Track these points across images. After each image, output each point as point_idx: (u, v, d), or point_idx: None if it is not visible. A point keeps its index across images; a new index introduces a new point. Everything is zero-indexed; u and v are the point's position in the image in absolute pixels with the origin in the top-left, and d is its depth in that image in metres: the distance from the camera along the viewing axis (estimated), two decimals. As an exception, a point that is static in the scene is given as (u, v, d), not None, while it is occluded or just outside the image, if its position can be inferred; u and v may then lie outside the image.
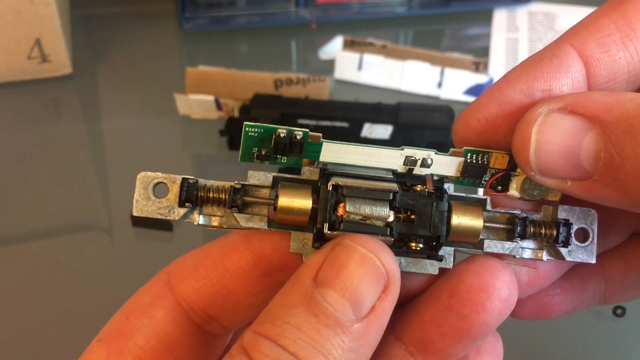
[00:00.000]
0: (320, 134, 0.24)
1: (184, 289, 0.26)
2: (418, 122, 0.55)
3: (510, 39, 0.70)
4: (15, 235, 0.52)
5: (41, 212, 0.53)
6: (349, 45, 0.66)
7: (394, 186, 0.24)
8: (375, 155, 0.24)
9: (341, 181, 0.24)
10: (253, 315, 0.25)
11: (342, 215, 0.23)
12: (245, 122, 0.23)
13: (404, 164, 0.24)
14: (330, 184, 0.23)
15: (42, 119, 0.62)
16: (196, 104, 0.59)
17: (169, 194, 0.24)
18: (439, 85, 0.63)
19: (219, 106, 0.59)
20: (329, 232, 0.23)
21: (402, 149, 0.24)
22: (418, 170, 0.25)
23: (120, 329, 0.25)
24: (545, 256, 0.25)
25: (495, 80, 0.67)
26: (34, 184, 0.55)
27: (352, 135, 0.55)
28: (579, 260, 0.25)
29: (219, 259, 0.26)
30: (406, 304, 0.26)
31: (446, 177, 0.25)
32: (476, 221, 0.24)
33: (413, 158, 0.24)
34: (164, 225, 0.50)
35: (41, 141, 0.59)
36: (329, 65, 0.66)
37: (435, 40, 0.72)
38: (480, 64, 0.64)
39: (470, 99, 0.63)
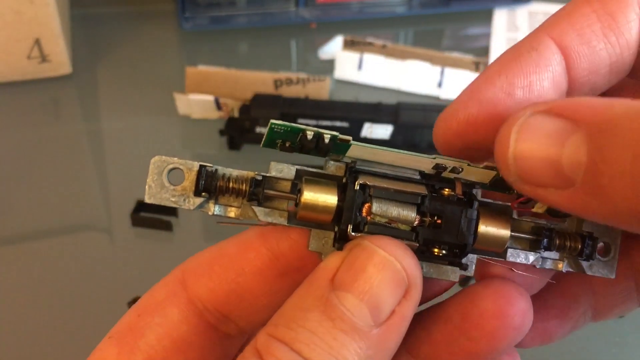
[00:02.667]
0: (350, 137, 0.22)
1: (199, 287, 0.25)
2: (418, 122, 0.55)
3: (510, 38, 0.70)
4: (15, 235, 0.52)
5: (41, 212, 0.53)
6: (349, 45, 0.66)
7: (423, 189, 0.23)
8: (405, 160, 0.23)
9: (369, 180, 0.22)
10: (269, 316, 0.24)
11: (366, 217, 0.22)
12: (272, 120, 0.22)
13: (433, 168, 0.23)
14: (357, 182, 0.22)
15: (42, 119, 0.62)
16: (196, 104, 0.59)
17: (184, 181, 0.22)
18: (439, 85, 0.63)
19: (218, 106, 0.59)
20: (353, 233, 0.22)
21: (434, 157, 0.23)
22: (446, 174, 0.23)
23: (131, 327, 0.25)
24: (565, 268, 0.24)
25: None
26: (33, 184, 0.55)
27: (351, 135, 0.55)
28: (599, 275, 0.24)
29: (235, 257, 0.25)
30: (417, 318, 0.25)
31: (475, 182, 0.24)
32: (503, 231, 0.23)
33: (443, 166, 0.23)
34: (164, 225, 0.50)
35: (41, 141, 0.59)
36: (329, 65, 0.66)
37: (435, 40, 0.72)
38: (480, 64, 0.64)
39: (470, 98, 0.63)
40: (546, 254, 0.24)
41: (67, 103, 0.64)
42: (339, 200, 0.22)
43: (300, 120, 0.55)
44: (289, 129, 0.22)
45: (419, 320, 0.25)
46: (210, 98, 0.58)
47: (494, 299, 0.23)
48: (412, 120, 0.55)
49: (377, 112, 0.55)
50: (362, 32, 0.69)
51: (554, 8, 0.81)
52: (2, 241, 0.52)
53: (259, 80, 0.60)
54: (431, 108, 0.56)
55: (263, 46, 0.70)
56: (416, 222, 0.22)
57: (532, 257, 0.24)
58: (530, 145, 0.20)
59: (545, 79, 0.22)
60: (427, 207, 0.23)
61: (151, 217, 0.51)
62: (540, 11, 0.73)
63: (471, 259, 0.24)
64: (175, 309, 0.25)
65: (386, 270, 0.21)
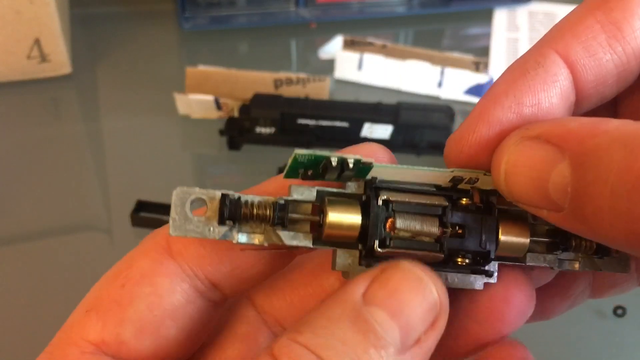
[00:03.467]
0: (372, 159, 0.22)
1: (188, 255, 0.24)
2: (418, 122, 0.55)
3: (510, 38, 0.70)
4: (15, 235, 0.52)
5: (41, 212, 0.53)
6: (349, 44, 0.66)
7: (443, 200, 0.23)
8: (424, 177, 0.23)
9: (391, 196, 0.22)
10: (256, 284, 0.24)
11: (391, 232, 0.22)
12: (297, 151, 0.21)
13: (450, 181, 0.24)
14: (380, 198, 0.22)
15: (42, 119, 0.62)
16: (196, 104, 0.59)
17: (207, 211, 0.22)
18: (439, 85, 0.63)
19: (218, 106, 0.59)
20: (379, 249, 0.22)
21: (452, 171, 0.23)
22: (462, 185, 0.24)
23: (116, 299, 0.23)
24: (581, 267, 0.24)
25: (495, 81, 0.67)
26: (33, 184, 0.55)
27: (352, 135, 0.55)
28: (614, 272, 0.25)
29: None
30: None
31: (491, 190, 0.24)
32: (523, 238, 0.23)
33: (461, 177, 0.23)
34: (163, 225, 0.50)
35: (41, 141, 0.59)
36: (329, 65, 0.66)
37: (435, 39, 0.72)
38: (480, 64, 0.64)
39: (470, 98, 0.63)
40: (563, 255, 0.24)
41: (67, 103, 0.64)
42: (362, 218, 0.22)
43: (300, 120, 0.55)
44: (313, 157, 0.22)
45: None
46: (210, 98, 0.58)
47: (503, 284, 0.24)
48: (412, 120, 0.55)
49: (377, 112, 0.55)
50: (362, 32, 0.69)
51: (555, 8, 0.81)
52: (2, 241, 0.52)
53: (259, 80, 0.60)
54: (431, 108, 0.56)
55: (263, 46, 0.70)
56: (439, 233, 0.23)
57: (549, 259, 0.24)
58: (519, 172, 0.21)
59: (553, 95, 0.22)
60: (449, 218, 0.23)
61: (151, 217, 0.51)
62: (540, 11, 0.73)
63: (493, 265, 0.24)
64: (164, 277, 0.23)
65: (421, 292, 0.20)
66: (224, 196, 0.22)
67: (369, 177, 0.23)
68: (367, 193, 0.23)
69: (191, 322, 0.24)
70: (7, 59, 0.61)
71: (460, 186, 0.23)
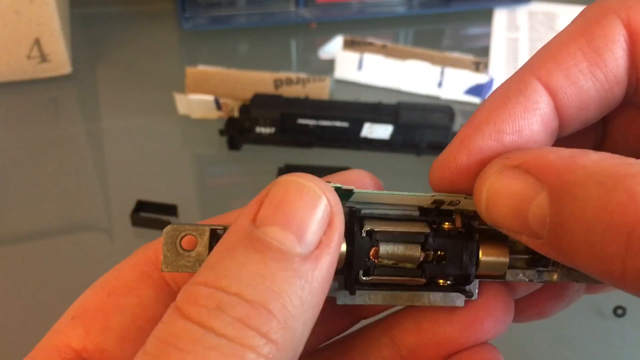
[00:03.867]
0: (353, 187, 0.23)
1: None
2: (418, 122, 0.55)
3: (510, 38, 0.70)
4: (15, 235, 0.52)
5: (41, 212, 0.53)
6: (349, 45, 0.66)
7: (425, 228, 0.24)
8: (405, 200, 0.24)
9: (375, 226, 0.23)
10: None
11: (374, 260, 0.23)
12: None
13: (432, 203, 0.24)
14: (364, 229, 0.23)
15: (42, 119, 0.62)
16: (196, 104, 0.59)
17: (198, 246, 0.23)
18: (439, 85, 0.63)
19: (218, 106, 0.59)
20: (364, 277, 0.23)
21: (433, 195, 0.24)
22: (445, 206, 0.24)
23: (100, 307, 0.23)
24: (559, 278, 0.25)
25: (495, 80, 0.67)
26: (33, 183, 0.55)
27: (352, 135, 0.55)
28: (591, 283, 0.25)
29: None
30: (407, 309, 0.26)
31: (471, 211, 0.24)
32: (503, 258, 0.24)
33: (442, 200, 0.24)
34: (164, 225, 0.50)
35: (41, 141, 0.59)
36: (329, 65, 0.66)
37: (435, 39, 0.72)
38: (480, 64, 0.64)
39: (470, 98, 0.63)
40: (542, 268, 0.25)
41: (67, 103, 0.64)
42: (347, 246, 0.23)
43: (300, 120, 0.55)
44: None
45: (408, 311, 0.26)
46: (210, 98, 0.58)
47: (483, 297, 0.25)
48: (412, 120, 0.55)
49: (377, 112, 0.55)
50: (362, 32, 0.69)
51: (555, 8, 0.81)
52: (2, 241, 0.52)
53: (259, 80, 0.60)
54: (431, 108, 0.56)
55: (263, 46, 0.70)
56: (421, 260, 0.23)
57: (528, 274, 0.25)
58: (500, 201, 0.21)
59: (534, 122, 0.22)
60: (431, 244, 0.24)
61: (151, 217, 0.51)
62: (540, 11, 0.73)
63: (474, 285, 0.25)
64: (150, 290, 0.24)
65: (307, 197, 0.20)
66: (212, 231, 0.23)
67: (352, 204, 0.23)
68: (352, 223, 0.23)
69: None
70: (7, 59, 0.61)
71: (443, 207, 0.24)
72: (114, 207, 0.54)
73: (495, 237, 0.24)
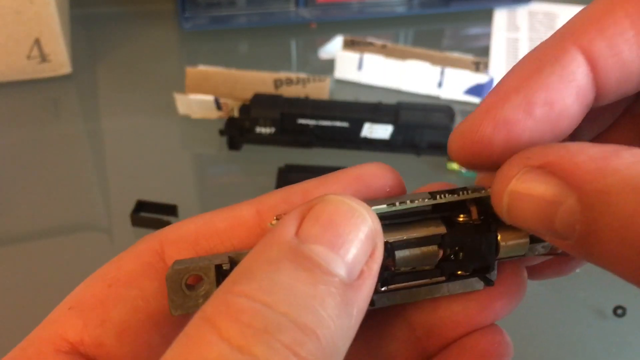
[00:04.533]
0: (384, 206, 0.22)
1: None
2: (418, 122, 0.55)
3: (510, 38, 0.70)
4: (15, 235, 0.52)
5: (41, 212, 0.53)
6: (349, 45, 0.66)
7: (441, 227, 0.22)
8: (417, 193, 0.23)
9: (389, 236, 0.22)
10: None
11: (391, 269, 0.22)
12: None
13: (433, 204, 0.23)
14: None
15: (42, 119, 0.62)
16: (196, 104, 0.59)
17: (204, 284, 0.21)
18: (439, 85, 0.63)
19: (218, 106, 0.59)
20: (383, 289, 0.22)
21: (433, 197, 0.22)
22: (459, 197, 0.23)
23: (100, 298, 0.22)
24: None
25: (495, 80, 0.67)
26: (33, 184, 0.55)
27: (352, 135, 0.55)
28: None
29: (224, 232, 0.22)
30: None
31: (483, 196, 0.23)
32: (523, 239, 0.23)
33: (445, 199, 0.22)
34: (164, 225, 0.50)
35: (40, 141, 0.59)
36: (329, 65, 0.66)
37: (435, 39, 0.72)
38: (480, 64, 0.64)
39: (470, 98, 0.63)
40: None
41: (67, 103, 0.64)
42: None
43: (300, 120, 0.55)
44: None
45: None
46: (210, 98, 0.58)
47: (498, 278, 0.24)
48: (412, 120, 0.55)
49: (377, 112, 0.55)
50: (362, 32, 0.69)
51: (555, 8, 0.80)
52: (2, 241, 0.51)
53: (259, 80, 0.60)
54: (431, 108, 0.56)
55: (263, 46, 0.70)
56: (439, 260, 0.22)
57: (547, 246, 0.24)
58: (523, 206, 0.20)
59: (569, 95, 0.20)
60: (448, 244, 0.22)
61: (151, 217, 0.51)
62: (540, 11, 0.73)
63: (493, 273, 0.24)
64: (153, 282, 0.22)
65: (357, 222, 0.19)
66: (217, 267, 0.21)
67: None
68: None
69: (176, 332, 0.22)
70: (7, 59, 0.61)
71: (456, 199, 0.22)
72: (114, 207, 0.54)
73: None
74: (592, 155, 0.18)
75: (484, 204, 0.22)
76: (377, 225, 0.19)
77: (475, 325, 0.24)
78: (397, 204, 0.22)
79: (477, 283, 0.24)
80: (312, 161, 0.56)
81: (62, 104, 0.64)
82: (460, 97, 0.63)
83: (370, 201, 0.22)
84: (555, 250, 0.24)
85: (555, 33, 0.21)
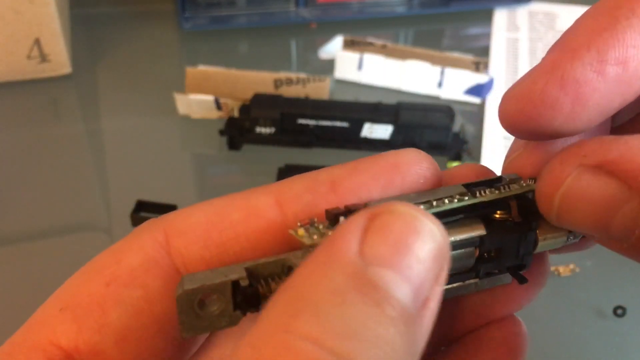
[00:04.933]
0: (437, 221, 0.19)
1: (189, 256, 0.20)
2: (418, 122, 0.55)
3: (510, 38, 0.70)
4: (14, 235, 0.52)
5: (40, 212, 0.53)
6: (349, 45, 0.66)
7: (480, 227, 0.20)
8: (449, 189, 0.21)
9: None
10: None
11: None
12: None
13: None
14: None
15: (42, 119, 0.62)
16: (196, 104, 0.59)
17: (218, 302, 0.19)
18: (439, 85, 0.63)
19: (218, 106, 0.59)
20: None
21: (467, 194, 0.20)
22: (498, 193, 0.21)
23: (97, 299, 0.19)
24: None
25: (495, 80, 0.67)
26: (33, 183, 0.55)
27: (352, 135, 0.55)
28: None
29: (239, 224, 0.20)
30: None
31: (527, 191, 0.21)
32: (562, 233, 0.21)
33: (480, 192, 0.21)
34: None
35: (40, 141, 0.59)
36: (329, 65, 0.66)
37: (435, 39, 0.72)
38: (480, 64, 0.64)
39: (470, 98, 0.63)
40: None
41: (66, 103, 0.64)
42: None
43: (300, 120, 0.55)
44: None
45: None
46: (210, 98, 0.58)
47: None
48: (412, 120, 0.55)
49: (377, 112, 0.55)
50: (362, 32, 0.69)
51: (555, 8, 0.80)
52: (2, 241, 0.51)
53: (259, 80, 0.60)
54: (431, 108, 0.56)
55: (263, 46, 0.70)
56: (475, 262, 0.21)
57: (576, 234, 0.22)
58: (577, 209, 0.18)
59: None
60: (488, 246, 0.20)
61: (151, 217, 0.51)
62: (541, 11, 0.73)
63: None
64: (158, 280, 0.19)
65: (428, 240, 0.16)
66: (234, 285, 0.18)
67: None
68: None
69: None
70: (6, 59, 0.61)
71: (494, 197, 0.20)
72: (114, 207, 0.54)
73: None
74: None
75: (524, 198, 0.21)
76: (446, 243, 0.17)
77: (498, 315, 0.23)
78: (434, 202, 0.19)
79: (505, 277, 0.22)
80: (312, 161, 0.56)
81: (62, 104, 0.64)
82: (460, 97, 0.63)
83: (403, 196, 0.20)
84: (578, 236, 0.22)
85: None
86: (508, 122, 0.20)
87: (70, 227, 0.53)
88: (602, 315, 0.46)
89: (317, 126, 0.55)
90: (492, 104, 0.62)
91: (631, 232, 0.17)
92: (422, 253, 0.16)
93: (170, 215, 0.20)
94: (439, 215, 0.19)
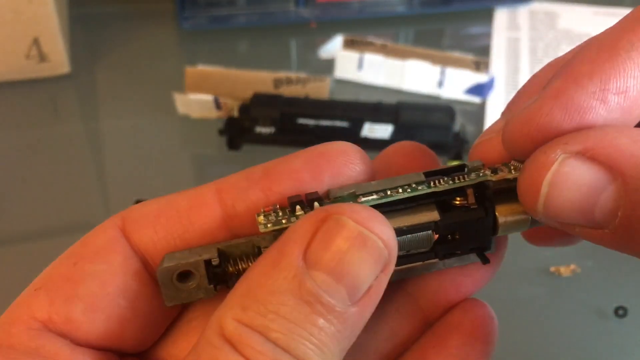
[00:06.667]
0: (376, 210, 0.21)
1: (140, 238, 0.23)
2: (418, 122, 0.55)
3: (511, 38, 0.69)
4: (14, 235, 0.52)
5: (39, 212, 0.53)
6: (349, 44, 0.66)
7: (434, 214, 0.22)
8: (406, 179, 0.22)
9: None
10: None
11: None
12: (258, 220, 0.22)
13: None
14: None
15: (41, 119, 0.62)
16: (195, 104, 0.59)
17: (195, 277, 0.22)
18: (440, 84, 0.63)
19: (218, 105, 0.59)
20: None
21: (429, 187, 0.21)
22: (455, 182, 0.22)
23: (66, 276, 0.22)
24: None
25: (495, 80, 0.67)
26: (32, 183, 0.55)
27: (352, 135, 0.55)
28: None
29: (185, 211, 0.23)
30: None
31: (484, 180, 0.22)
32: (523, 215, 0.22)
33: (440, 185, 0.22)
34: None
35: (39, 141, 0.59)
36: (329, 64, 0.66)
37: (435, 39, 0.72)
38: (481, 63, 0.64)
39: (471, 98, 0.62)
40: None
41: (65, 103, 0.64)
42: None
43: (300, 120, 0.55)
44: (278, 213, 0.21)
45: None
46: (209, 97, 0.58)
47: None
48: (413, 120, 0.55)
49: (377, 111, 0.55)
50: (362, 31, 0.68)
51: (556, 7, 0.80)
52: (2, 241, 0.51)
53: (259, 79, 0.60)
54: (432, 108, 0.56)
55: (263, 45, 0.70)
56: (433, 243, 0.22)
57: None
58: (562, 196, 0.19)
59: None
60: (443, 230, 0.22)
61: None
62: (541, 11, 0.73)
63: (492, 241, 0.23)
64: (119, 255, 0.22)
65: (366, 248, 0.19)
66: (206, 263, 0.22)
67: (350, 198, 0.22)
68: None
69: (148, 306, 0.23)
70: (5, 59, 0.60)
71: (451, 185, 0.22)
72: (113, 206, 0.54)
73: (511, 194, 0.22)
74: (634, 137, 0.18)
75: (481, 186, 0.22)
76: (392, 244, 0.20)
77: (460, 295, 0.25)
78: (389, 192, 0.21)
79: (473, 256, 0.23)
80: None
81: (61, 104, 0.64)
82: (460, 97, 0.63)
83: (361, 185, 0.22)
84: None
85: (626, 18, 0.20)
86: (513, 144, 0.21)
87: (70, 227, 0.53)
88: (603, 316, 0.46)
89: (317, 126, 0.55)
90: (493, 103, 0.62)
91: (614, 214, 0.18)
92: (361, 261, 0.19)
93: (129, 208, 0.24)
94: (393, 204, 0.21)
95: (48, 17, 0.59)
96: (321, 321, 0.18)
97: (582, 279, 0.48)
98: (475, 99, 0.62)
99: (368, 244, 0.19)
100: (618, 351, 0.45)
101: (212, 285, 0.22)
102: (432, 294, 0.25)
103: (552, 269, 0.48)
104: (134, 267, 0.23)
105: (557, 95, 0.20)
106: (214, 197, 0.23)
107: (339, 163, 0.22)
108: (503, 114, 0.24)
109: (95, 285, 0.22)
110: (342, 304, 0.19)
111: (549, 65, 0.24)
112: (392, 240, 0.20)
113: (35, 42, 0.60)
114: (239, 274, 0.22)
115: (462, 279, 0.25)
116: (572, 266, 0.48)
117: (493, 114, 0.60)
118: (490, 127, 0.24)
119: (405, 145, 0.25)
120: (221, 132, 0.56)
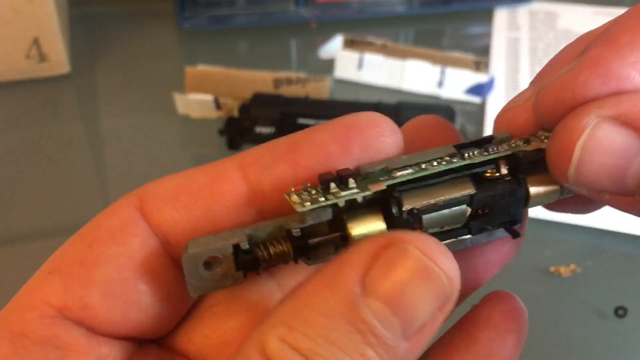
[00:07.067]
0: (383, 185, 0.20)
1: (161, 217, 0.21)
2: (418, 122, 0.55)
3: (511, 38, 0.69)
4: (14, 235, 0.52)
5: (40, 212, 0.53)
6: (349, 44, 0.66)
7: (470, 187, 0.21)
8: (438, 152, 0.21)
9: (415, 202, 0.20)
10: None
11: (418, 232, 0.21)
12: (300, 211, 0.20)
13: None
14: (404, 209, 0.20)
15: (41, 119, 0.62)
16: (195, 104, 0.59)
17: (222, 264, 0.20)
18: (440, 84, 0.63)
19: (218, 105, 0.59)
20: None
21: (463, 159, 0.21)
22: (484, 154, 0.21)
23: (81, 259, 0.21)
24: None
25: (495, 80, 0.67)
26: (32, 183, 0.55)
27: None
28: None
29: (206, 187, 0.21)
30: None
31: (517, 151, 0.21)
32: (554, 186, 0.22)
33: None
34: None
35: (39, 141, 0.59)
36: (329, 64, 0.66)
37: (435, 39, 0.72)
38: (481, 63, 0.64)
39: (471, 98, 0.62)
40: None
41: (65, 103, 0.64)
42: (388, 227, 0.20)
43: (300, 120, 0.55)
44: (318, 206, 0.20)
45: None
46: (209, 97, 0.58)
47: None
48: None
49: (378, 111, 0.55)
50: (362, 31, 0.68)
51: (556, 7, 0.80)
52: (2, 241, 0.51)
53: (259, 79, 0.60)
54: (432, 108, 0.56)
55: (263, 46, 0.70)
56: (466, 219, 0.22)
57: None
58: (595, 161, 0.19)
59: None
60: (478, 204, 0.21)
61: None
62: (542, 10, 0.73)
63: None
64: (136, 237, 0.21)
65: (429, 281, 0.18)
66: (235, 248, 0.20)
67: (383, 175, 0.21)
68: (389, 204, 0.20)
69: (168, 290, 0.21)
70: (5, 59, 0.60)
71: (482, 158, 0.21)
72: (113, 207, 0.54)
73: (542, 166, 0.21)
74: None
75: (512, 157, 0.21)
76: (455, 281, 0.18)
77: (488, 274, 0.24)
78: (423, 165, 0.20)
79: (500, 232, 0.23)
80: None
81: (61, 104, 0.64)
82: (460, 97, 0.63)
83: (392, 160, 0.21)
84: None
85: None
86: (546, 111, 0.20)
87: (70, 227, 0.52)
88: (603, 316, 0.46)
89: (317, 126, 0.55)
90: (493, 103, 0.62)
91: None
92: (423, 297, 0.17)
93: (145, 185, 0.22)
94: (427, 178, 0.20)
95: (48, 17, 0.59)
96: (370, 353, 0.17)
97: (582, 279, 0.47)
98: (475, 99, 0.62)
99: (432, 278, 0.18)
100: (618, 351, 0.45)
101: (240, 272, 0.21)
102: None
103: (552, 269, 0.48)
104: (153, 248, 0.21)
105: (595, 63, 0.19)
106: (237, 172, 0.21)
107: (369, 135, 0.21)
108: (532, 83, 0.23)
109: (111, 269, 0.20)
110: (394, 338, 0.17)
111: (580, 38, 0.23)
112: (456, 278, 0.18)
113: (35, 42, 0.60)
114: (270, 259, 0.21)
115: (490, 255, 0.24)
116: (572, 266, 0.48)
117: (493, 114, 0.60)
118: (516, 97, 0.23)
119: (427, 119, 0.24)
120: (221, 132, 0.56)
